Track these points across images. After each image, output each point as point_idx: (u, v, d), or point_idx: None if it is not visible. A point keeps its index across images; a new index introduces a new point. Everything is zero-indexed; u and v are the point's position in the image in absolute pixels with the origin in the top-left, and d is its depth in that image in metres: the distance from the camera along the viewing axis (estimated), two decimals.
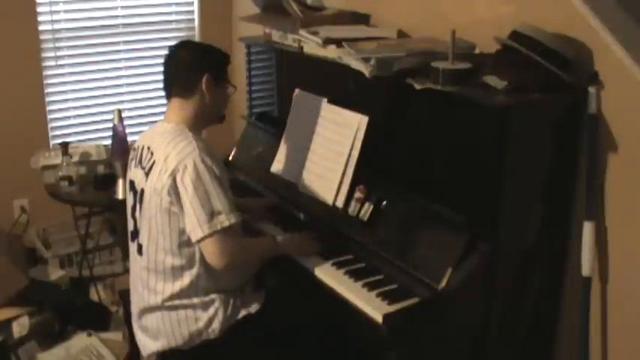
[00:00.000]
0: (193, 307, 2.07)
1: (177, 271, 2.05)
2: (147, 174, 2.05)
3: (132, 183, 2.16)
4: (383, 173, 2.27)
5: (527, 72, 1.93)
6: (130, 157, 2.21)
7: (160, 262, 2.06)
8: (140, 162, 2.11)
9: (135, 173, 2.14)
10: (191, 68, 2.12)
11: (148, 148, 2.09)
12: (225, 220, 1.97)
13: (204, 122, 2.19)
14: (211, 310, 2.07)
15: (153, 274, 2.08)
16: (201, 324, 2.07)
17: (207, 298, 2.07)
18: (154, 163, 2.03)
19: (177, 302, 2.07)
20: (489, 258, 1.95)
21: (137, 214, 2.12)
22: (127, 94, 3.85)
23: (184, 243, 2.02)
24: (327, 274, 2.11)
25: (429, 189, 2.10)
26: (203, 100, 2.12)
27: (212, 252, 1.99)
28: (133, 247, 2.17)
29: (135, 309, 2.20)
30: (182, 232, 2.01)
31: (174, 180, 1.96)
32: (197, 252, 2.03)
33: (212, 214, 1.95)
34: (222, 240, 1.98)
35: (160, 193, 1.99)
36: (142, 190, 2.07)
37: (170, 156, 1.99)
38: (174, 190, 1.97)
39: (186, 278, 2.05)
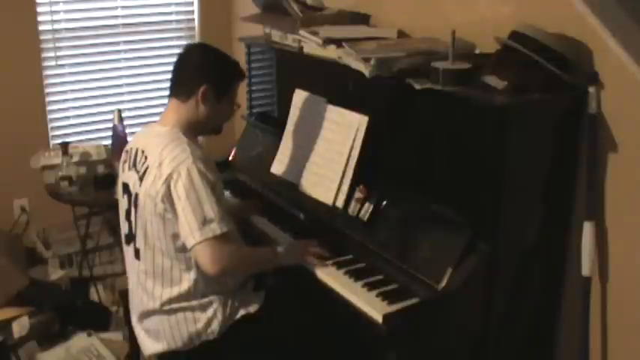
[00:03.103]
0: (192, 309, 2.06)
1: (175, 276, 2.05)
2: (141, 178, 2.03)
3: (126, 186, 2.13)
4: (383, 173, 2.27)
5: (527, 72, 1.93)
6: (123, 159, 2.17)
7: (158, 265, 2.05)
8: (135, 165, 2.09)
9: (129, 176, 2.11)
10: (193, 74, 2.09)
11: (142, 151, 2.06)
12: (217, 228, 1.95)
13: (198, 131, 2.16)
14: (210, 312, 2.07)
15: (151, 278, 2.07)
16: (200, 325, 2.07)
17: (205, 300, 2.07)
18: (147, 167, 2.01)
19: (175, 306, 2.06)
20: (489, 258, 1.95)
21: (132, 217, 2.11)
22: (127, 94, 3.86)
23: (180, 248, 2.01)
24: (327, 274, 2.11)
25: (429, 189, 2.10)
26: (197, 109, 2.09)
27: (203, 259, 1.96)
28: (129, 251, 2.16)
29: (135, 311, 2.19)
30: (176, 237, 2.00)
31: (168, 187, 1.95)
32: (192, 258, 2.02)
33: (204, 222, 1.93)
34: (214, 247, 1.95)
35: (154, 199, 1.97)
36: (137, 195, 2.06)
37: (164, 162, 1.97)
38: (168, 198, 1.95)
39: (185, 283, 2.05)
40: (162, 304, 2.06)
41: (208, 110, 2.10)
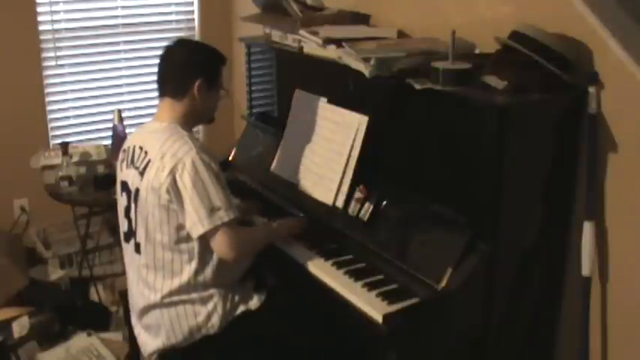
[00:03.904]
0: (192, 302, 2.08)
1: (176, 267, 2.06)
2: (142, 173, 2.05)
3: (124, 184, 2.16)
4: (383, 173, 2.27)
5: (527, 72, 1.93)
6: (120, 158, 2.20)
7: (158, 258, 2.07)
8: (132, 162, 2.11)
9: (127, 174, 2.14)
10: (184, 71, 2.13)
11: (141, 147, 2.09)
12: (224, 215, 1.99)
13: (193, 122, 2.21)
14: (210, 305, 2.09)
15: (152, 271, 2.09)
16: (200, 319, 2.08)
17: (205, 293, 2.09)
18: (149, 161, 2.04)
19: (176, 298, 2.08)
20: (489, 258, 1.95)
21: (132, 214, 2.13)
22: (127, 94, 3.86)
23: (183, 239, 2.04)
24: (327, 274, 2.11)
25: (429, 189, 2.10)
26: (194, 103, 2.13)
27: (220, 246, 2.01)
28: (129, 248, 2.18)
29: (135, 308, 2.20)
30: (181, 228, 2.02)
31: (173, 179, 1.97)
32: (195, 248, 2.04)
33: (212, 210, 1.98)
34: (226, 233, 2.00)
35: (157, 191, 2.00)
36: (137, 190, 2.08)
37: (167, 154, 2.00)
38: (174, 189, 1.98)
39: (185, 274, 2.06)
40: (163, 297, 2.08)
41: (203, 101, 2.14)
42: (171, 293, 2.07)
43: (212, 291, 2.09)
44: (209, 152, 2.06)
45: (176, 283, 2.07)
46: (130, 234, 2.15)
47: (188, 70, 2.12)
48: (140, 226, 2.09)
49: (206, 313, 2.08)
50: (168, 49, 2.17)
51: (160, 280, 2.08)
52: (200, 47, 2.24)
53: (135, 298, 2.19)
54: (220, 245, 2.01)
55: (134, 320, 2.24)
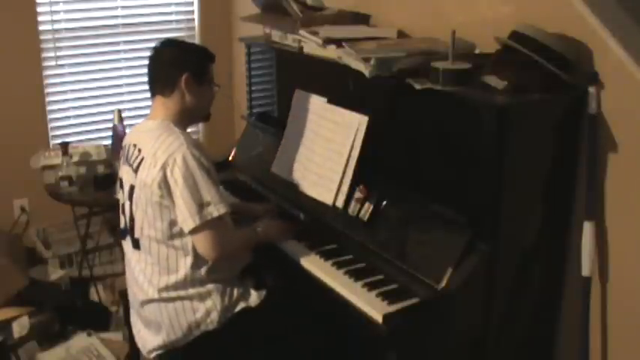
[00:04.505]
0: (190, 298, 2.09)
1: (171, 263, 2.08)
2: (135, 170, 2.08)
3: (121, 181, 2.21)
4: (383, 173, 2.27)
5: (527, 72, 1.93)
6: (120, 155, 2.25)
7: (154, 254, 2.08)
8: (127, 159, 2.15)
9: (122, 171, 2.19)
10: (171, 67, 2.16)
11: (134, 145, 2.12)
12: (214, 210, 2.00)
13: (188, 120, 2.23)
14: (209, 302, 2.09)
15: (150, 266, 2.11)
16: (199, 315, 2.09)
17: (203, 289, 2.09)
18: (142, 159, 2.06)
19: (173, 294, 2.09)
20: (489, 258, 1.95)
21: (127, 210, 2.15)
22: (127, 94, 3.86)
23: (177, 234, 2.05)
24: (327, 274, 2.11)
25: (429, 189, 2.10)
26: (184, 99, 2.15)
27: (203, 244, 2.03)
28: (126, 244, 2.20)
29: (135, 304, 2.21)
30: (173, 224, 2.04)
31: (164, 174, 1.99)
32: (189, 242, 2.06)
33: (202, 205, 1.99)
34: (213, 231, 2.02)
35: (150, 187, 2.01)
36: (131, 187, 2.10)
37: (159, 151, 2.02)
38: (165, 184, 2.00)
39: (181, 270, 2.08)
40: (160, 291, 2.09)
41: (193, 97, 2.17)
42: (167, 288, 2.08)
43: (210, 287, 2.10)
44: (200, 148, 2.08)
45: (172, 278, 2.08)
46: (126, 230, 2.18)
47: (174, 66, 2.15)
48: (137, 222, 2.11)
49: (204, 310, 2.09)
50: (155, 50, 2.21)
51: (157, 276, 2.09)
52: (186, 45, 2.28)
53: (134, 293, 2.20)
54: (203, 243, 2.03)
55: (134, 317, 2.25)
